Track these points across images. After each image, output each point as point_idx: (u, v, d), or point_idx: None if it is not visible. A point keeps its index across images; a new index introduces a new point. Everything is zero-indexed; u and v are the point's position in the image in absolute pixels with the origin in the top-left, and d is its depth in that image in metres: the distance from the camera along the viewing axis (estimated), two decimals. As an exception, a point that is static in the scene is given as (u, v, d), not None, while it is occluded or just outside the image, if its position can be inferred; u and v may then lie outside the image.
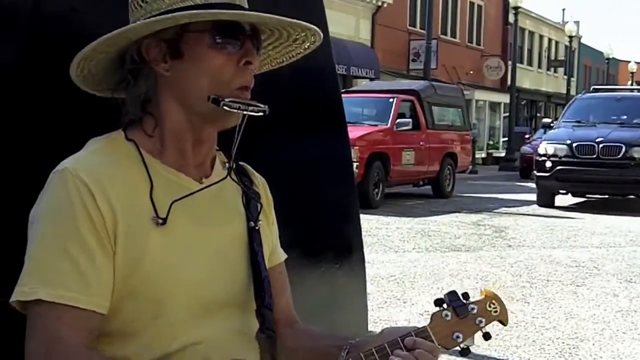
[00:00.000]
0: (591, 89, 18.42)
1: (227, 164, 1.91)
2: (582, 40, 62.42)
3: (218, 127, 1.81)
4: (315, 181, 3.06)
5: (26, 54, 2.28)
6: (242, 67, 1.74)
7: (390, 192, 17.42)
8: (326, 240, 3.12)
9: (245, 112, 1.73)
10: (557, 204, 17.07)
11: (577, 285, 8.37)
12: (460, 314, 1.77)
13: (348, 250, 3.20)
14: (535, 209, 16.62)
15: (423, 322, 5.33)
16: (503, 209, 15.84)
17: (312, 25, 1.87)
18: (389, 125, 16.65)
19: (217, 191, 1.82)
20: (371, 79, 29.00)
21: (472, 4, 43.07)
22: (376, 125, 16.65)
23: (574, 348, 5.94)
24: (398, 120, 16.78)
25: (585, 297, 7.81)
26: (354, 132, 14.41)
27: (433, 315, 1.78)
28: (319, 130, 3.09)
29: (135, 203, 1.69)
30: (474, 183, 23.74)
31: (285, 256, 2.06)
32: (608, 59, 61.43)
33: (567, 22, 51.48)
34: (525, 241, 11.68)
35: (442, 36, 38.38)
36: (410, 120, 17.20)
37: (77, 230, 1.62)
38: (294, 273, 2.88)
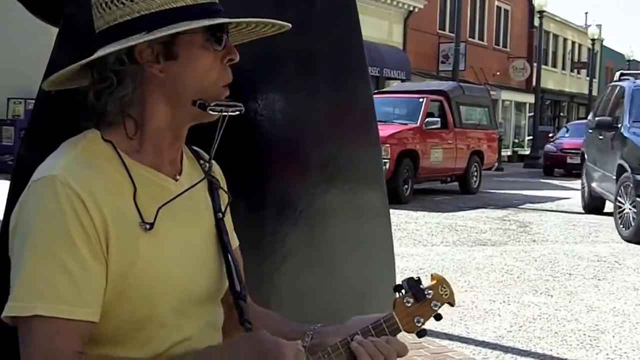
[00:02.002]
0: (619, 76, 15.34)
1: (202, 163, 1.90)
2: (604, 43, 61.66)
3: (196, 123, 1.77)
4: (348, 179, 3.06)
5: (85, 56, 2.32)
6: (225, 64, 1.72)
7: (419, 188, 17.42)
8: (357, 232, 3.13)
9: (225, 114, 1.71)
10: (577, 199, 17.09)
11: (599, 279, 8.40)
12: (420, 299, 1.82)
13: (378, 242, 3.23)
14: (559, 205, 16.53)
15: (450, 314, 5.53)
16: (528, 205, 15.83)
17: (286, 24, 1.85)
18: (418, 124, 16.74)
19: (191, 189, 1.79)
20: (402, 80, 28.94)
21: (499, 8, 42.73)
22: (406, 124, 16.72)
23: (594, 340, 5.99)
24: (427, 119, 16.86)
25: (606, 290, 7.85)
26: (385, 131, 14.52)
27: (396, 301, 1.82)
28: (352, 130, 3.11)
29: (122, 208, 1.62)
30: (499, 180, 23.59)
31: (238, 242, 2.00)
32: (629, 60, 60.56)
33: (589, 26, 51.01)
34: (549, 236, 11.68)
35: (470, 39, 38.19)
36: (438, 119, 17.26)
37: (70, 240, 1.55)
38: (326, 263, 2.98)
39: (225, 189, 1.94)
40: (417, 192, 16.80)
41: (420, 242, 10.68)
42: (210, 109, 1.69)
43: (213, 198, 1.87)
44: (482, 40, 40.83)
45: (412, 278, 1.85)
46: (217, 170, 1.96)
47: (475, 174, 19.21)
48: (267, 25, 1.87)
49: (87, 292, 1.56)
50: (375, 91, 19.38)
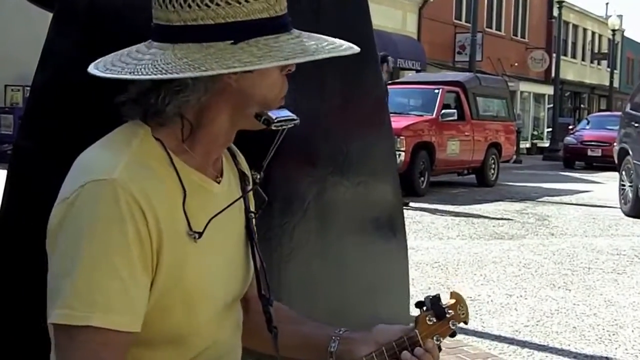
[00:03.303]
0: None
1: (253, 174, 1.87)
2: (625, 34, 61.52)
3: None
4: (360, 170, 3.06)
5: (81, 48, 2.30)
6: (284, 75, 1.70)
7: (435, 181, 17.38)
8: (369, 225, 3.15)
9: (284, 127, 1.70)
10: (597, 192, 17.03)
11: (618, 273, 8.36)
12: (440, 317, 1.85)
13: (391, 235, 3.24)
14: (578, 198, 16.47)
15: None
16: (546, 198, 15.74)
17: (357, 49, 1.73)
18: (434, 115, 16.66)
19: (228, 190, 1.77)
20: (417, 71, 28.96)
21: (517, -3, 42.84)
22: (422, 116, 16.65)
23: (613, 335, 5.96)
24: (443, 111, 16.78)
25: (625, 284, 7.81)
26: (400, 122, 14.50)
27: (418, 318, 1.85)
28: (364, 122, 3.11)
29: (174, 216, 1.59)
30: (518, 172, 23.52)
31: None
32: (650, 51, 60.62)
33: (610, 16, 50.79)
34: (567, 230, 11.62)
35: (487, 29, 38.09)
36: (455, 111, 17.17)
37: (127, 249, 1.51)
38: (337, 256, 2.97)
39: (250, 177, 1.89)
40: (433, 185, 16.78)
41: (436, 235, 10.66)
42: (275, 126, 1.67)
43: (245, 198, 1.84)
44: (500, 31, 40.75)
45: (435, 296, 1.88)
46: (244, 164, 1.92)
47: (493, 166, 19.13)
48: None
49: (136, 304, 1.54)
50: (390, 82, 19.27)
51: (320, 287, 2.91)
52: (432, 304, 1.86)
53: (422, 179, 15.82)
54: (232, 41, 1.56)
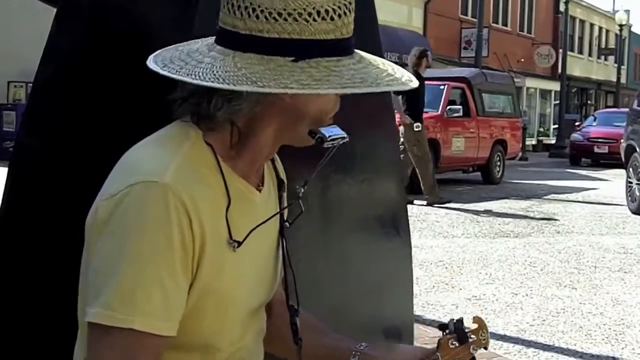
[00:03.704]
0: None
1: (297, 189, 1.83)
2: (633, 29, 61.42)
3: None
4: (363, 168, 3.03)
5: (84, 44, 2.31)
6: (338, 95, 1.68)
7: (440, 178, 17.25)
8: (373, 223, 3.12)
9: (335, 144, 1.68)
10: (604, 190, 16.98)
11: (625, 272, 8.34)
12: (462, 342, 1.87)
13: (395, 234, 3.20)
14: (585, 195, 16.45)
15: (470, 307, 5.51)
16: (552, 196, 15.72)
17: (416, 83, 1.70)
18: (439, 112, 16.62)
19: (266, 198, 1.76)
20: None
21: (523, -8, 42.78)
22: (427, 112, 16.58)
23: (620, 334, 5.94)
24: (449, 107, 16.76)
25: (632, 283, 7.79)
26: (404, 118, 14.49)
27: (441, 341, 1.86)
28: (367, 118, 3.05)
29: (217, 223, 1.60)
30: (523, 170, 23.49)
31: None
32: (659, 47, 60.52)
33: (617, 11, 50.65)
34: (574, 228, 11.60)
35: (494, 24, 38.05)
36: (460, 107, 17.12)
37: (172, 255, 1.52)
38: (341, 254, 2.94)
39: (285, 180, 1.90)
40: (438, 182, 16.51)
41: (441, 233, 10.65)
42: (327, 144, 1.66)
43: (280, 203, 1.85)
44: (506, 26, 40.71)
45: (459, 320, 1.89)
46: (281, 171, 1.92)
47: (499, 163, 19.08)
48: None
49: (174, 308, 1.55)
50: (396, 78, 19.16)
51: (323, 286, 2.87)
52: (456, 328, 1.87)
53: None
54: (294, 58, 1.54)
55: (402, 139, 13.00)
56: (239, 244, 1.61)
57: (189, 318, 1.59)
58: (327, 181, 2.88)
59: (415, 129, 13.07)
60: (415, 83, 1.67)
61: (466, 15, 36.22)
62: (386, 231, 3.19)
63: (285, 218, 1.83)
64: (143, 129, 1.92)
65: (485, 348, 1.94)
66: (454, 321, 1.88)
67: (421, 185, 13.40)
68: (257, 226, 1.65)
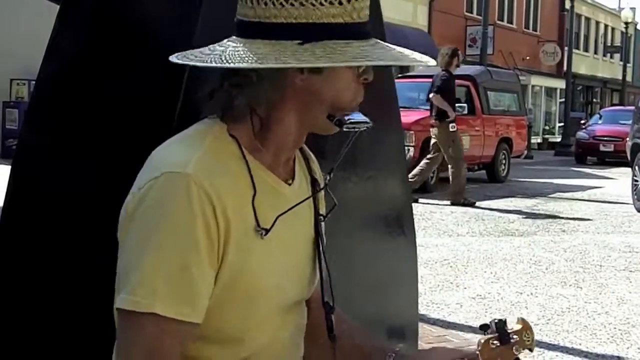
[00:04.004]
0: None
1: (323, 174, 1.89)
2: (638, 27, 61.30)
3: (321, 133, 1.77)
4: (368, 166, 3.03)
5: (87, 42, 2.31)
6: (360, 82, 1.70)
7: (445, 177, 17.25)
8: (378, 222, 3.12)
9: (357, 130, 1.72)
10: (610, 188, 16.92)
11: (630, 271, 8.31)
12: (504, 342, 1.83)
13: (400, 232, 3.20)
14: (591, 194, 16.41)
15: (475, 305, 5.50)
16: (558, 194, 15.67)
17: (431, 62, 1.77)
18: (444, 109, 16.61)
19: (298, 191, 1.78)
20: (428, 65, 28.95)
21: (528, -10, 42.74)
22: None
23: (625, 334, 5.93)
24: (454, 105, 16.77)
25: (638, 282, 7.76)
26: (409, 117, 14.46)
27: (482, 342, 1.83)
28: (371, 117, 3.08)
29: (242, 212, 1.62)
30: (529, 168, 23.42)
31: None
32: (664, 45, 60.39)
33: (623, 9, 50.61)
34: (579, 226, 11.57)
35: (499, 22, 38.01)
36: (465, 105, 17.01)
37: (196, 243, 1.56)
38: (346, 253, 2.89)
39: (321, 181, 1.91)
40: (443, 180, 16.59)
41: (446, 232, 10.62)
42: (347, 127, 1.69)
43: (314, 199, 1.86)
44: (511, 23, 40.69)
45: (501, 320, 1.85)
46: (317, 168, 1.94)
47: (504, 161, 19.04)
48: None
49: (200, 295, 1.58)
50: (399, 75, 19.20)
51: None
52: (498, 328, 1.84)
53: (432, 174, 15.71)
54: (300, 42, 1.58)
55: (434, 140, 13.17)
56: (267, 231, 1.63)
57: (217, 308, 1.61)
58: (331, 179, 2.86)
59: (451, 129, 13.14)
60: (432, 62, 1.74)
61: (471, 12, 36.20)
62: (391, 230, 3.19)
63: (320, 213, 1.86)
64: (145, 127, 1.92)
65: (531, 350, 1.89)
66: (496, 321, 1.85)
67: (450, 184, 13.48)
68: (283, 213, 1.66)
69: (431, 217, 11.88)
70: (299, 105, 1.67)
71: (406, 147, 12.58)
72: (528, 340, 1.87)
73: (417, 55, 1.72)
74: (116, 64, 2.27)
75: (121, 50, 2.23)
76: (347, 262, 2.93)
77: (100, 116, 2.30)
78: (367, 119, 1.73)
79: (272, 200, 1.68)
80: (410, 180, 12.80)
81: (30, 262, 2.35)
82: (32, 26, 16.26)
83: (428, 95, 13.53)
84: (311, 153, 1.94)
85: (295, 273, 1.77)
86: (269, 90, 1.63)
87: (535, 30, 43.46)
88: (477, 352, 1.81)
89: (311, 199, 1.83)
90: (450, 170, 13.42)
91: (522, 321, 1.89)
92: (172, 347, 1.57)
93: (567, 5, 36.89)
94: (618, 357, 5.42)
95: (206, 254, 1.57)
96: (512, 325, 1.87)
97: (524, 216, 12.50)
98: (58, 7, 2.47)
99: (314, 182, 1.88)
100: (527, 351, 1.89)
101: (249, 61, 1.57)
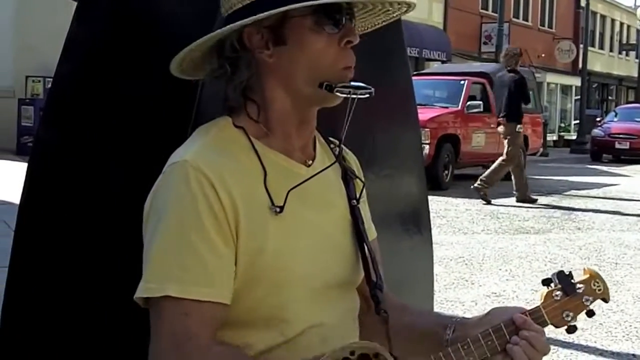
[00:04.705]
0: None
1: (333, 147, 1.91)
2: (655, 25, 61.10)
3: (321, 107, 1.79)
4: (385, 164, 3.02)
5: (105, 38, 2.31)
6: (343, 47, 1.71)
7: (460, 174, 17.24)
8: (394, 219, 3.10)
9: (354, 96, 1.71)
10: (625, 186, 16.83)
11: None
12: (569, 293, 1.79)
13: (416, 229, 3.19)
14: (606, 191, 16.33)
15: (490, 304, 5.49)
16: (573, 192, 15.60)
17: (409, 1, 1.82)
18: (459, 107, 16.54)
19: (322, 174, 1.79)
20: (443, 62, 28.90)
21: (544, -13, 42.58)
22: (447, 108, 16.55)
23: None
24: (469, 103, 16.64)
25: None
26: (425, 114, 14.41)
27: (544, 294, 1.79)
28: (389, 113, 3.05)
29: (253, 193, 1.66)
30: (544, 165, 23.31)
31: (376, 233, 2.02)
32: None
33: (638, 7, 50.48)
34: (594, 224, 11.51)
35: (514, 19, 37.92)
36: (481, 102, 17.01)
37: (201, 223, 1.59)
38: None
39: (361, 177, 1.96)
40: (458, 178, 16.62)
41: (461, 229, 10.61)
42: (338, 91, 1.70)
43: (347, 186, 1.88)
44: (527, 21, 40.57)
45: (563, 272, 1.82)
46: (352, 160, 1.99)
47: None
48: (392, 6, 1.86)
49: (217, 274, 1.60)
50: (415, 73, 19.15)
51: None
52: (560, 280, 1.80)
53: (447, 172, 15.72)
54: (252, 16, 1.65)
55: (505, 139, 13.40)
56: (281, 208, 1.66)
57: (244, 288, 1.64)
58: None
59: (517, 130, 13.29)
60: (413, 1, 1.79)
61: (486, 10, 36.10)
62: (407, 228, 3.17)
63: (354, 197, 1.87)
64: (161, 126, 1.92)
65: (605, 300, 1.85)
66: (557, 273, 1.81)
67: (486, 174, 13.68)
68: (294, 187, 1.69)
69: (446, 214, 11.87)
70: (281, 80, 1.72)
71: (422, 145, 12.56)
72: (599, 289, 1.82)
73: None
74: (133, 62, 2.27)
75: (139, 48, 2.23)
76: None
77: (116, 114, 2.30)
78: (363, 84, 1.73)
79: (289, 181, 1.71)
80: (485, 179, 13.27)
81: (47, 260, 2.35)
82: (47, 23, 16.29)
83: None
84: (348, 150, 1.98)
85: (330, 255, 1.77)
86: (246, 73, 1.70)
87: (551, 28, 43.31)
88: (540, 306, 1.78)
89: (343, 187, 1.86)
90: (495, 164, 13.67)
91: (588, 270, 1.85)
92: (197, 330, 1.58)
93: (583, 3, 36.74)
94: (633, 355, 5.41)
95: (215, 233, 1.60)
96: (580, 277, 1.83)
97: (539, 214, 12.45)
98: (75, 3, 2.46)
99: (345, 172, 1.90)
100: (602, 302, 1.83)
101: (217, 28, 1.68)
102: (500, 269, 8.02)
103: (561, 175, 20.33)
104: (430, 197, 3.27)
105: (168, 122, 2.14)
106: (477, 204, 13.35)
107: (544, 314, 1.78)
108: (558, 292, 1.79)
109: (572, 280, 1.81)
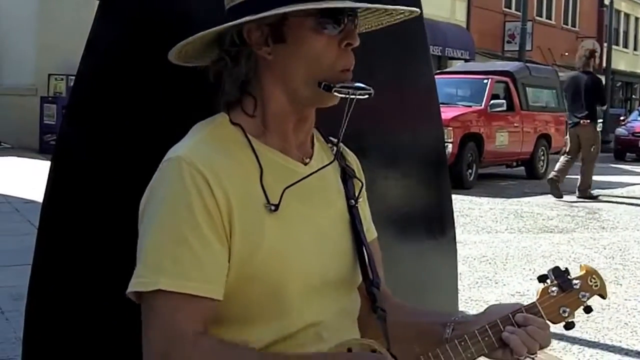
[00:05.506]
0: None
1: (331, 147, 1.91)
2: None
3: (318, 107, 1.79)
4: (408, 163, 3.01)
5: (128, 35, 2.29)
6: (343, 48, 1.71)
7: (484, 173, 17.22)
8: (418, 220, 3.08)
9: (353, 97, 1.71)
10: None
11: None
12: (565, 288, 1.79)
13: (440, 229, 3.17)
14: (630, 190, 16.25)
15: (514, 302, 5.34)
16: (596, 191, 15.41)
17: (412, 9, 1.84)
18: (483, 106, 16.50)
19: (320, 172, 1.80)
20: (466, 60, 28.84)
21: (567, -15, 42.39)
22: (470, 106, 16.50)
23: None
24: (492, 102, 16.61)
25: None
26: (448, 113, 14.40)
27: (539, 291, 1.80)
28: (411, 113, 3.03)
29: (248, 190, 1.67)
30: (567, 165, 23.34)
31: (376, 234, 2.05)
32: None
33: (664, 5, 50.25)
34: (619, 223, 11.47)
35: (538, 18, 37.80)
36: (504, 101, 16.98)
37: (194, 219, 1.60)
38: (386, 252, 2.99)
39: (361, 177, 1.96)
40: (482, 177, 16.61)
41: (484, 228, 10.58)
42: (336, 91, 1.70)
43: (346, 185, 1.89)
44: (550, 19, 40.42)
45: (558, 267, 1.83)
46: (352, 159, 1.99)
47: (543, 158, 18.95)
48: (394, 13, 1.88)
49: (209, 270, 1.60)
50: (438, 72, 19.13)
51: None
52: (556, 276, 1.81)
53: (470, 171, 15.70)
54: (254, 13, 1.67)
55: (569, 137, 13.80)
56: (276, 206, 1.67)
57: (241, 285, 1.64)
58: (370, 176, 2.84)
59: (598, 129, 13.67)
60: (417, 11, 1.83)
61: (510, 8, 36.01)
62: (431, 227, 3.16)
63: (352, 196, 1.88)
64: (182, 125, 1.91)
65: (603, 296, 1.85)
66: (552, 268, 1.82)
67: (580, 182, 14.09)
68: (291, 185, 1.70)
69: (470, 213, 11.85)
70: (279, 78, 1.73)
71: (445, 144, 12.54)
72: (596, 285, 1.82)
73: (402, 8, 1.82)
74: (155, 61, 2.26)
75: (160, 47, 2.22)
76: (387, 260, 2.91)
77: (137, 113, 2.30)
78: (362, 85, 1.73)
79: (285, 179, 1.72)
80: (555, 177, 13.56)
81: (71, 259, 2.35)
82: (70, 21, 16.35)
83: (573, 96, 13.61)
84: (349, 150, 1.99)
85: (328, 252, 1.77)
86: (245, 68, 1.72)
87: (574, 26, 43.12)
88: (536, 302, 1.79)
89: (342, 186, 1.87)
90: (582, 167, 14.07)
91: (585, 266, 1.85)
92: (188, 324, 1.58)
93: (607, 1, 36.54)
94: (659, 355, 5.37)
95: (208, 228, 1.61)
96: (575, 273, 1.83)
97: (563, 213, 12.40)
98: (98, 1, 2.46)
99: (344, 171, 1.91)
100: (599, 298, 1.83)
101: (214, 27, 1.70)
102: (524, 268, 7.98)
103: (585, 174, 20.20)
104: (454, 196, 3.25)
105: (189, 121, 2.14)
106: (501, 202, 13.32)
107: (540, 310, 1.79)
108: (554, 288, 1.80)
109: (569, 277, 1.82)
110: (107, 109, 2.34)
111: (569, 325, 1.83)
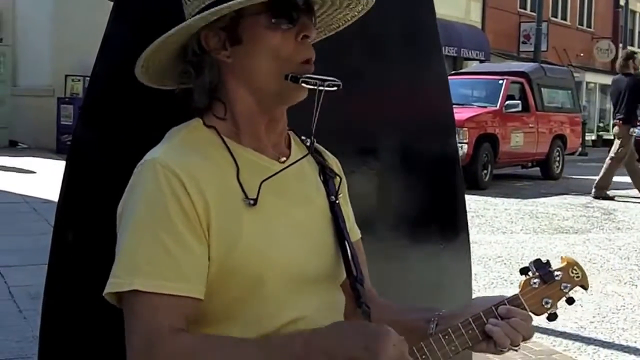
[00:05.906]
0: None
1: (305, 141, 1.92)
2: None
3: (288, 104, 1.80)
4: (421, 165, 3.01)
5: (142, 36, 2.18)
6: (300, 41, 1.73)
7: (499, 174, 17.21)
8: (431, 221, 3.08)
9: (322, 88, 1.72)
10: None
11: None
12: (547, 280, 1.80)
13: (453, 230, 3.16)
14: (645, 191, 16.26)
15: None
16: (612, 192, 15.37)
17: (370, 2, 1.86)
18: (498, 106, 16.50)
19: (298, 169, 1.82)
20: (481, 61, 28.80)
21: (582, -14, 42.26)
22: (485, 107, 16.50)
23: None
24: (507, 102, 16.62)
25: None
26: (463, 114, 14.42)
27: (522, 283, 1.81)
28: (424, 114, 3.03)
29: (225, 187, 1.68)
30: (583, 165, 23.15)
31: (360, 235, 2.04)
32: None
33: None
34: (634, 224, 11.44)
35: (553, 18, 37.68)
36: (519, 102, 16.99)
37: (169, 220, 1.61)
38: (399, 255, 2.90)
39: (341, 175, 1.97)
40: (497, 178, 16.60)
41: (500, 229, 10.57)
42: (304, 81, 1.71)
43: (327, 184, 1.90)
44: (565, 20, 40.25)
45: (539, 260, 1.84)
46: (332, 161, 2.00)
47: (558, 159, 18.91)
48: (351, 4, 1.90)
49: (187, 269, 1.61)
50: (453, 72, 19.14)
51: (381, 286, 2.84)
52: (537, 268, 1.82)
53: (485, 171, 15.69)
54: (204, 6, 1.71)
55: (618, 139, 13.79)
56: (255, 200, 1.68)
57: (222, 282, 1.65)
58: (382, 178, 2.87)
59: (630, 132, 13.73)
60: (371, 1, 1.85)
61: (525, 9, 35.91)
62: (444, 228, 3.15)
63: (334, 193, 1.89)
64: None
65: (584, 287, 1.85)
66: (533, 261, 1.83)
67: (600, 178, 14.12)
68: (266, 179, 1.71)
69: (485, 214, 11.84)
70: (242, 80, 1.75)
71: (459, 145, 12.55)
72: (577, 277, 1.83)
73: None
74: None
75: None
76: (402, 261, 2.93)
77: (151, 115, 2.30)
78: (330, 77, 1.73)
79: (262, 176, 1.72)
80: (599, 186, 13.70)
81: (85, 259, 2.36)
82: (86, 22, 16.33)
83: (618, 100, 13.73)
84: (328, 152, 2.01)
85: (311, 248, 1.78)
86: (209, 75, 1.76)
87: (590, 27, 42.95)
88: (519, 294, 1.80)
89: (321, 184, 1.89)
90: (606, 165, 14.06)
91: (566, 258, 1.87)
92: (167, 324, 1.58)
93: (622, 2, 36.42)
94: (675, 355, 5.36)
95: (184, 227, 1.61)
96: (556, 265, 1.84)
97: (579, 214, 12.38)
98: (112, 2, 2.47)
99: (323, 170, 1.92)
100: (581, 289, 1.84)
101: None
102: (539, 269, 7.93)
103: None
104: (469, 197, 3.28)
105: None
106: (516, 203, 13.31)
107: (523, 302, 1.79)
108: (536, 280, 1.80)
109: (550, 268, 1.83)
110: (121, 110, 2.35)
111: (552, 317, 1.83)
